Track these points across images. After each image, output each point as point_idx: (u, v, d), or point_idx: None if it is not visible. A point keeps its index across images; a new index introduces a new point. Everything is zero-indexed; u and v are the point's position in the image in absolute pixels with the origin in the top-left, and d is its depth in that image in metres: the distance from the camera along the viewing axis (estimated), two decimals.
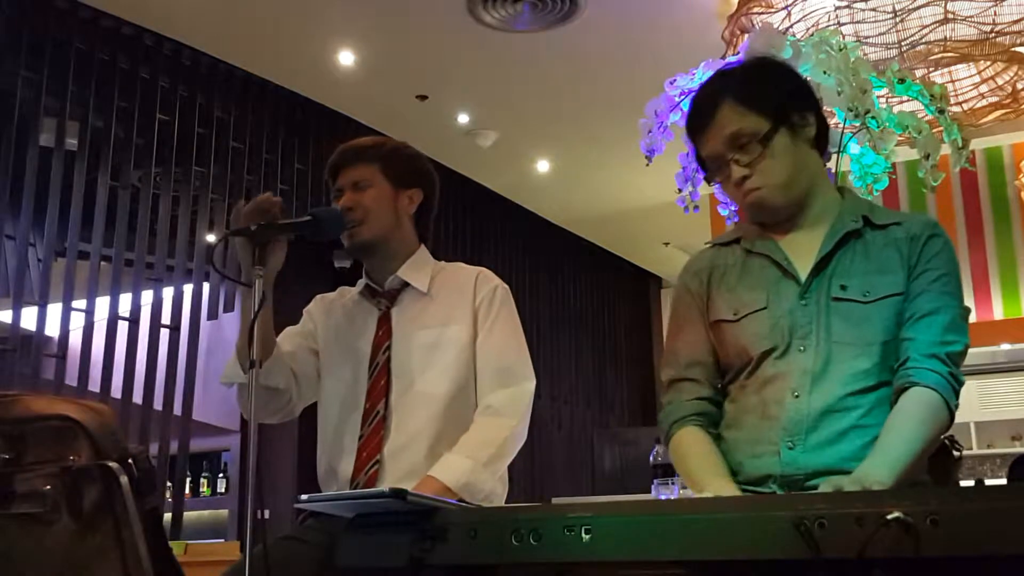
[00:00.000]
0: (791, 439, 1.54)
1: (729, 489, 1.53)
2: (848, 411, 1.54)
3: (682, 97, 2.66)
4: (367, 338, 2.04)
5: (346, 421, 2.00)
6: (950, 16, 3.54)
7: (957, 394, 1.53)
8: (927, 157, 2.43)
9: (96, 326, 4.83)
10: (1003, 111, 4.14)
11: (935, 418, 1.49)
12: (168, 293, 5.18)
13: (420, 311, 2.03)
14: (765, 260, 1.67)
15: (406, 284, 2.06)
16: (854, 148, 2.52)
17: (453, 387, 1.97)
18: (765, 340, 1.60)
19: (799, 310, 1.60)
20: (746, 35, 3.34)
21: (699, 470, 1.59)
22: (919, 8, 3.55)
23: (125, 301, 4.96)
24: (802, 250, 1.65)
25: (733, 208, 2.80)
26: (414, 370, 1.98)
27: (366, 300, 2.10)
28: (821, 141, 1.69)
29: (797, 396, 1.56)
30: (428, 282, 2.05)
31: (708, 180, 1.71)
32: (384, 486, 1.88)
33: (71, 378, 4.62)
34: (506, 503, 1.98)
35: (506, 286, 2.09)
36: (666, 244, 8.79)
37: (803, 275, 1.62)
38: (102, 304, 4.86)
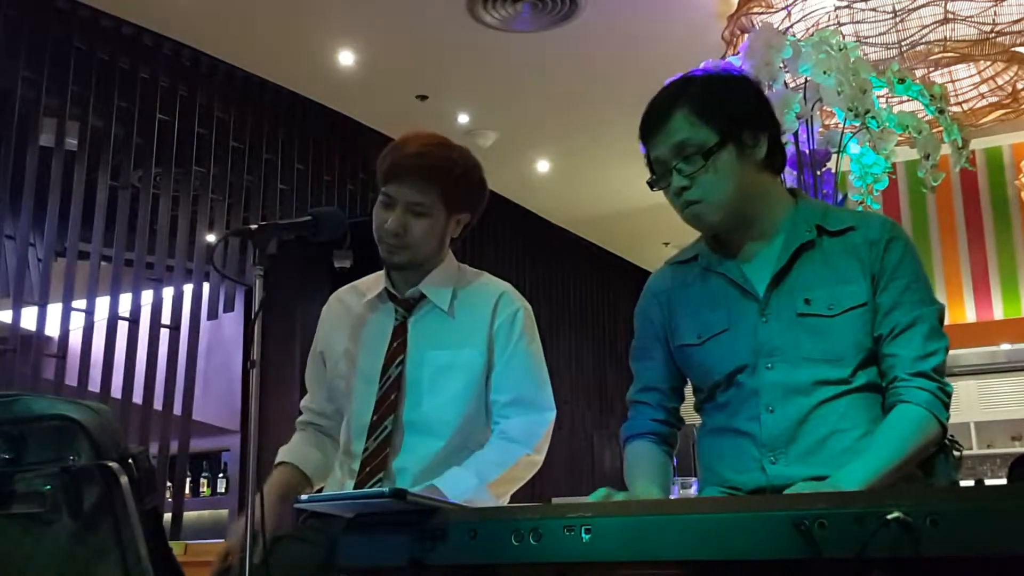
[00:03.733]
0: (772, 454, 1.55)
1: (651, 493, 1.58)
2: (824, 418, 1.55)
3: None
4: (380, 347, 1.99)
5: (351, 427, 1.98)
6: (950, 16, 3.54)
7: (947, 406, 1.54)
8: (927, 157, 2.42)
9: (96, 326, 4.83)
10: (1003, 111, 4.13)
11: (920, 434, 1.50)
12: (168, 293, 5.18)
13: (437, 328, 1.98)
14: (723, 280, 1.67)
15: (425, 295, 2.01)
16: (854, 148, 2.51)
17: (462, 415, 1.93)
18: (729, 362, 1.61)
19: (761, 328, 1.60)
20: (746, 35, 3.34)
21: (633, 474, 1.66)
22: (919, 8, 3.54)
23: (125, 301, 4.96)
24: (758, 266, 1.64)
25: None
26: (424, 390, 1.94)
27: (383, 303, 2.04)
28: (775, 160, 1.66)
29: (771, 411, 1.56)
30: (449, 299, 2.00)
31: (651, 185, 1.69)
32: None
33: (71, 378, 4.62)
34: (507, 503, 1.98)
35: (528, 307, 2.04)
36: (666, 244, 8.78)
37: (761, 292, 1.62)
38: (102, 304, 4.86)
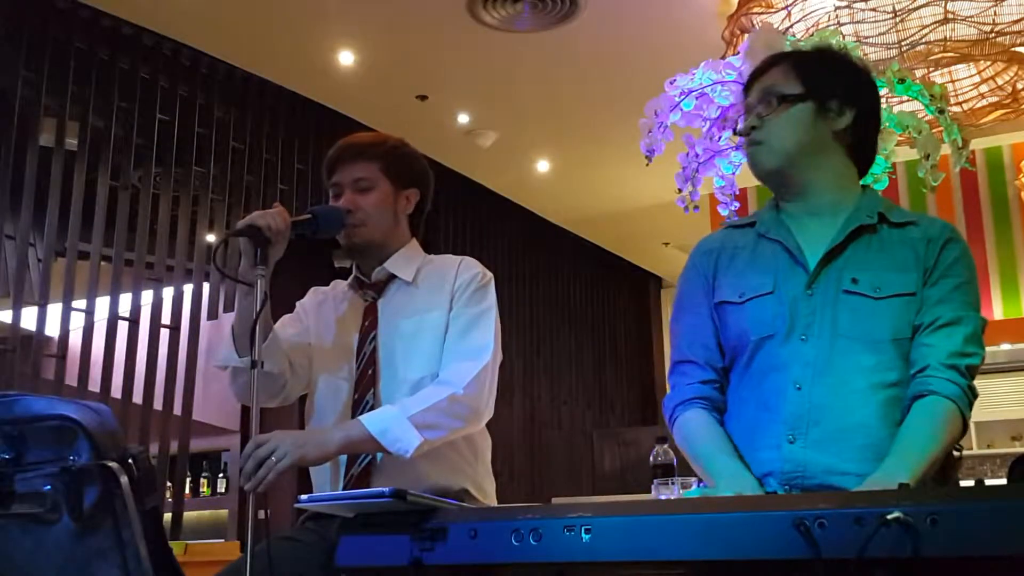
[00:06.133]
0: (792, 433, 1.53)
1: (738, 468, 1.52)
2: (851, 408, 1.53)
3: (682, 97, 2.66)
4: (355, 330, 2.04)
5: (337, 412, 2.00)
6: (950, 16, 3.53)
7: (971, 407, 1.53)
8: (927, 157, 2.43)
9: (96, 326, 4.83)
10: (1003, 111, 4.12)
11: (951, 428, 1.49)
12: (168, 293, 5.18)
13: (405, 300, 2.04)
14: (777, 246, 1.66)
15: (393, 276, 2.06)
16: None
17: (433, 373, 1.95)
18: (767, 325, 1.59)
19: (804, 299, 1.59)
20: (746, 35, 3.34)
21: (707, 451, 1.58)
22: (919, 8, 3.54)
23: (125, 301, 4.96)
24: (815, 240, 1.63)
25: (733, 208, 2.80)
26: (398, 358, 1.98)
27: (354, 292, 2.11)
28: (859, 148, 1.69)
29: (799, 388, 1.54)
30: (414, 273, 2.06)
31: (735, 132, 1.77)
32: (379, 476, 1.89)
33: (71, 378, 4.62)
34: (507, 503, 1.98)
35: (489, 273, 2.07)
36: (666, 244, 8.80)
37: (812, 264, 1.61)
38: (102, 304, 4.86)
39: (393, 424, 1.81)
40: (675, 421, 1.67)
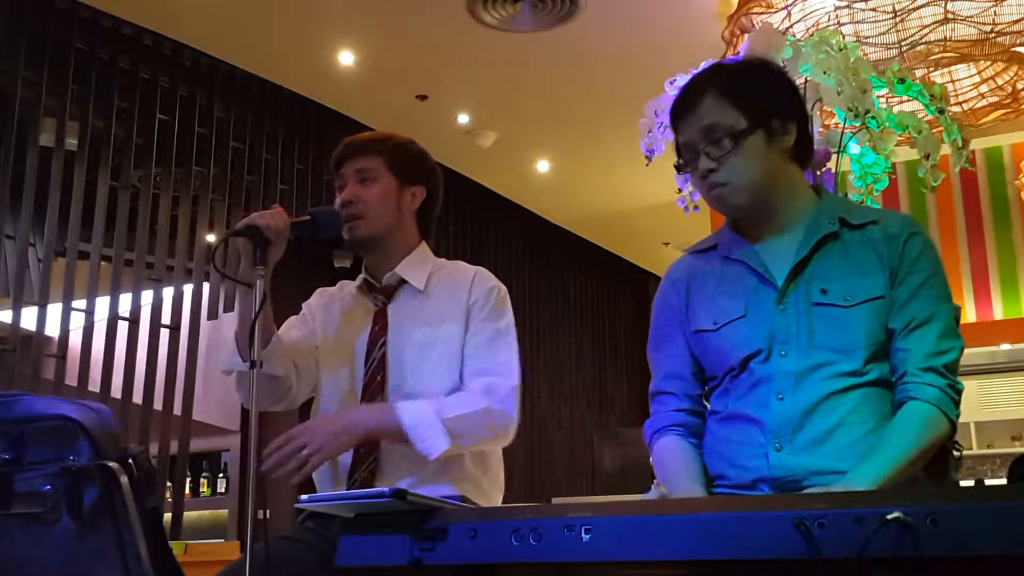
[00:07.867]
0: (777, 441, 1.55)
1: (696, 493, 1.57)
2: (833, 410, 1.54)
3: None
4: (363, 334, 2.03)
5: (332, 409, 2.00)
6: (950, 16, 3.54)
7: (957, 403, 1.53)
8: (927, 157, 2.42)
9: (96, 326, 4.83)
10: (1003, 111, 4.13)
11: (931, 432, 1.50)
12: (168, 293, 5.18)
13: (416, 308, 2.03)
14: (742, 267, 1.67)
15: (404, 281, 2.05)
16: (854, 148, 2.51)
17: (444, 386, 1.95)
18: (744, 347, 1.61)
19: (777, 316, 1.60)
20: (746, 35, 3.34)
21: (672, 474, 1.64)
22: (919, 8, 3.54)
23: (125, 301, 4.96)
24: (779, 255, 1.64)
25: None
26: (407, 368, 1.97)
27: (363, 295, 2.09)
28: (802, 152, 1.67)
29: (781, 398, 1.56)
30: (426, 280, 2.04)
31: (678, 168, 1.69)
32: (383, 482, 1.88)
33: (71, 378, 4.62)
34: (507, 503, 1.97)
35: (504, 287, 2.07)
36: (666, 244, 8.80)
37: (780, 280, 1.62)
38: (102, 304, 4.86)
39: (426, 422, 1.82)
40: (652, 447, 1.73)
